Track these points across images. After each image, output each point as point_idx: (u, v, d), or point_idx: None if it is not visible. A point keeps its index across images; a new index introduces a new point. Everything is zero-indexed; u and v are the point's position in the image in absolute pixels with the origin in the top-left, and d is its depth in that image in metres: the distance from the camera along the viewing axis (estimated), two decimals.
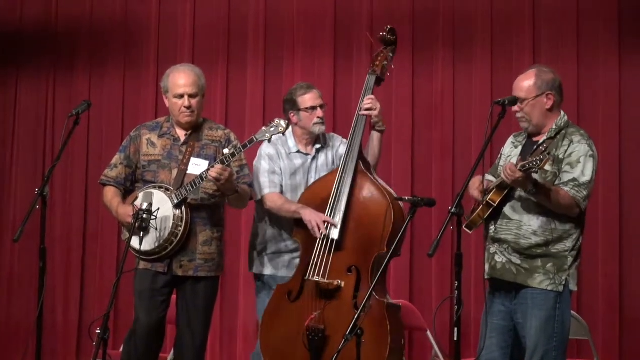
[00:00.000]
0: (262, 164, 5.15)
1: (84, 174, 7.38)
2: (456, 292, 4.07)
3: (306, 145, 5.23)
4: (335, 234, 4.76)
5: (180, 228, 4.76)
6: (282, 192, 5.13)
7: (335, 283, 4.69)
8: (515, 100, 4.34)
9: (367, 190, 4.82)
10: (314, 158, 5.22)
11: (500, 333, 4.45)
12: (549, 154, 4.14)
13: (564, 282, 4.33)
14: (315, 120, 5.16)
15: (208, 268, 4.90)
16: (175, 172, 4.85)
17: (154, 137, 4.96)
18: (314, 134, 5.19)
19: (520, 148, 4.52)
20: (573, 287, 4.39)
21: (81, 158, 7.40)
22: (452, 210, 4.05)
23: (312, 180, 5.15)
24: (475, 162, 4.24)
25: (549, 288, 4.31)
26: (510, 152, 4.57)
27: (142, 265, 4.83)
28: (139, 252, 4.72)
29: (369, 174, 4.88)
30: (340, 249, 4.76)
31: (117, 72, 7.42)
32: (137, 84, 7.38)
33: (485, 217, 4.36)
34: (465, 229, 4.31)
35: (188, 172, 4.83)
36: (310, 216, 4.81)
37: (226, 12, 7.27)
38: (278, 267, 5.15)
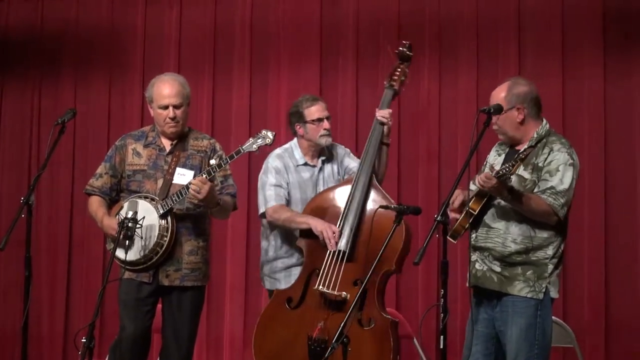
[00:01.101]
0: (269, 178, 5.14)
1: (69, 183, 7.36)
2: (442, 300, 4.08)
3: (312, 158, 5.23)
4: (342, 245, 4.76)
5: (165, 238, 4.75)
6: (289, 205, 5.11)
7: (342, 295, 4.68)
8: (500, 109, 4.36)
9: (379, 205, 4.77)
10: (320, 170, 5.21)
11: (483, 340, 4.47)
12: (521, 160, 4.15)
13: (544, 290, 4.34)
14: (322, 132, 5.15)
15: (194, 277, 4.89)
16: (160, 182, 4.85)
17: (140, 147, 4.95)
18: (320, 145, 5.19)
19: (503, 156, 4.55)
20: (554, 294, 4.41)
21: (67, 167, 7.38)
22: (438, 218, 4.07)
23: (322, 190, 5.15)
24: (461, 169, 4.25)
25: (529, 295, 4.32)
26: (494, 160, 4.59)
27: (127, 274, 4.82)
28: (124, 262, 4.71)
29: (381, 189, 4.89)
30: (350, 261, 4.74)
31: (103, 80, 7.40)
32: (123, 92, 7.37)
33: (467, 225, 4.37)
34: (449, 238, 4.32)
35: (174, 182, 4.82)
36: (322, 226, 4.80)
37: (212, 20, 7.27)
38: (290, 281, 5.08)
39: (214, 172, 4.68)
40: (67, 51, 7.51)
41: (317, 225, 4.82)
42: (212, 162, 4.70)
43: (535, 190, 4.32)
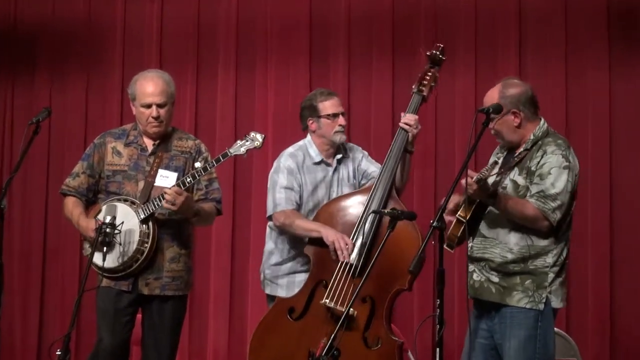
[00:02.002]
0: (280, 178, 5.09)
1: (44, 186, 7.35)
2: (438, 310, 4.07)
3: (328, 156, 5.18)
4: (354, 258, 4.72)
5: (146, 245, 4.73)
6: (299, 209, 5.08)
7: (350, 312, 4.56)
8: (500, 109, 4.36)
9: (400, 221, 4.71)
10: (335, 170, 5.18)
11: (482, 352, 4.47)
12: (496, 163, 4.19)
13: (544, 300, 4.33)
14: (337, 128, 5.12)
15: (175, 286, 4.87)
16: (141, 184, 4.82)
17: (120, 146, 4.93)
18: (334, 142, 5.15)
19: (501, 160, 4.55)
20: (557, 304, 4.39)
21: (41, 169, 7.36)
22: (434, 224, 4.05)
23: (334, 195, 5.11)
24: (458, 172, 4.25)
25: (528, 306, 4.32)
26: (494, 159, 4.60)
27: (105, 282, 4.79)
28: (101, 269, 4.69)
29: (400, 201, 4.85)
30: (360, 276, 4.66)
31: (80, 78, 7.40)
32: (101, 90, 7.36)
33: (459, 234, 4.36)
34: (446, 247, 4.32)
35: (155, 184, 4.80)
36: (334, 237, 4.75)
37: (195, 14, 7.27)
38: (293, 288, 5.07)
39: (198, 175, 4.68)
40: (43, 47, 7.50)
41: (329, 234, 4.78)
42: (197, 165, 4.69)
43: (527, 195, 4.34)
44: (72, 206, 4.91)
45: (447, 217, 4.35)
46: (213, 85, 7.22)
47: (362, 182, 5.19)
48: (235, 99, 7.17)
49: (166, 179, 4.80)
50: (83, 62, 7.41)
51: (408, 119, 4.92)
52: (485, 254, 4.39)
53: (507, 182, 4.36)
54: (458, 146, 6.75)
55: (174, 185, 4.66)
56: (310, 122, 5.17)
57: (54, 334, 7.14)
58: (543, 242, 4.35)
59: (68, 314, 6.46)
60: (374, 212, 4.65)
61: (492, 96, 4.46)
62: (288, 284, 5.11)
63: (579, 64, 6.68)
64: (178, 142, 4.96)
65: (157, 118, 4.84)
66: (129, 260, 4.72)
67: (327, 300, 4.70)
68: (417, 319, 6.64)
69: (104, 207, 4.76)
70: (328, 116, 5.13)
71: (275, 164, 5.19)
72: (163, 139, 4.93)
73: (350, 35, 7.04)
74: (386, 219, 4.51)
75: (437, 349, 4.09)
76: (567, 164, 4.34)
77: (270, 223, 5.20)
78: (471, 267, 4.44)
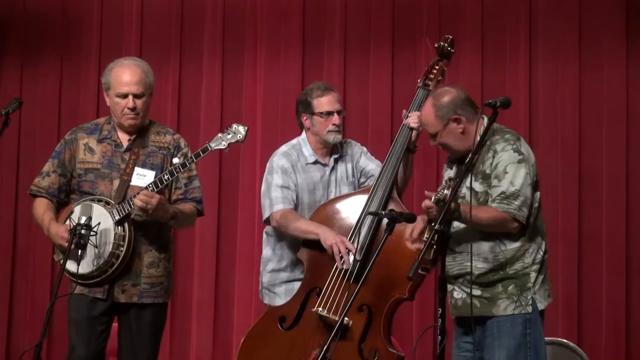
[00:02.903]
0: (275, 178, 5.09)
1: (13, 183, 7.32)
2: (439, 320, 4.07)
3: (323, 155, 5.18)
4: (349, 265, 4.72)
5: (122, 248, 4.69)
6: (296, 209, 5.07)
7: (344, 321, 4.58)
8: (509, 103, 4.35)
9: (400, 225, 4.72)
10: (332, 169, 5.18)
11: None
12: (454, 179, 4.25)
13: (530, 302, 4.37)
14: (331, 127, 5.10)
15: (154, 293, 4.84)
16: (116, 183, 4.78)
17: (93, 142, 4.89)
18: (328, 142, 5.14)
19: (454, 169, 4.56)
20: (543, 305, 4.42)
21: (10, 165, 7.34)
22: (436, 227, 4.05)
23: (332, 196, 5.11)
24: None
25: (516, 312, 4.35)
26: (447, 175, 4.62)
27: (78, 289, 4.75)
28: (75, 275, 4.65)
29: (401, 203, 4.86)
30: (357, 283, 4.61)
31: (53, 67, 7.37)
32: (76, 79, 7.34)
33: (430, 257, 4.35)
34: (421, 272, 4.32)
35: (132, 183, 4.76)
36: (333, 240, 4.76)
37: None
38: (289, 296, 5.05)
39: (176, 172, 4.65)
40: (12, 33, 7.46)
41: (328, 237, 4.78)
42: (175, 160, 4.66)
43: (488, 199, 4.35)
44: (43, 210, 4.86)
45: (413, 245, 4.34)
46: (197, 76, 7.21)
47: (362, 180, 5.20)
48: (222, 91, 7.16)
49: (143, 177, 4.76)
50: (56, 49, 7.38)
51: (412, 118, 4.93)
52: (461, 270, 4.40)
53: (464, 190, 4.38)
54: None
55: (144, 188, 4.63)
56: (304, 118, 5.17)
57: (24, 344, 7.11)
58: (516, 244, 4.39)
59: (39, 322, 6.45)
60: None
61: (427, 114, 4.50)
62: (286, 292, 5.09)
63: (594, 58, 6.67)
64: (155, 137, 4.92)
65: (133, 109, 4.80)
66: (104, 265, 4.68)
67: (320, 309, 4.70)
68: (417, 329, 6.64)
69: (78, 207, 4.73)
70: (321, 114, 5.12)
71: (268, 164, 5.19)
72: (139, 134, 4.89)
73: (347, 23, 7.04)
74: (386, 221, 4.52)
75: None
76: (521, 157, 4.39)
77: (267, 229, 5.21)
78: (449, 287, 4.46)
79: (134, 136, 4.88)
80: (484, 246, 4.37)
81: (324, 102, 5.13)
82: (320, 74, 7.01)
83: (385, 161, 4.92)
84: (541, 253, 4.43)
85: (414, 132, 4.92)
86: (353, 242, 4.75)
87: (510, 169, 4.32)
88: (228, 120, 6.94)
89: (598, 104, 6.66)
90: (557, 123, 6.64)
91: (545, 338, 5.53)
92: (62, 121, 7.27)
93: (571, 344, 5.84)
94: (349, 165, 5.21)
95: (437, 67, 5.02)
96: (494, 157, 4.37)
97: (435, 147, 6.68)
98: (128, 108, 4.80)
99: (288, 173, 5.08)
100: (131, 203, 4.66)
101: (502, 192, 4.30)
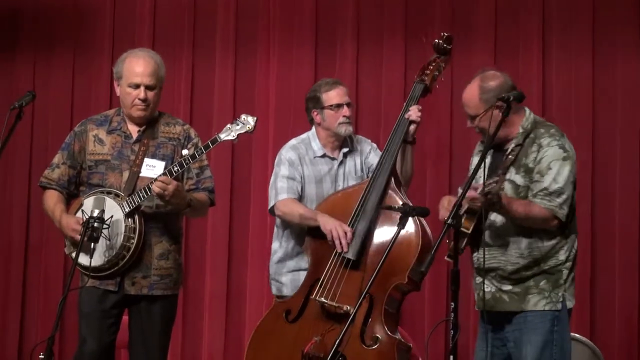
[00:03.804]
0: (282, 169, 5.19)
1: (26, 176, 7.34)
2: (452, 314, 4.07)
3: (332, 149, 5.27)
4: (352, 253, 4.78)
5: (132, 240, 4.70)
6: (302, 201, 5.17)
7: (344, 308, 4.67)
8: (522, 97, 4.35)
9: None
10: (341, 163, 5.26)
11: None
12: (504, 172, 4.23)
13: (561, 299, 4.39)
14: (341, 119, 5.20)
15: (164, 285, 4.85)
16: (126, 174, 4.79)
17: (102, 133, 4.90)
18: (339, 135, 5.22)
19: (489, 159, 4.54)
20: (571, 303, 4.45)
21: (23, 157, 7.36)
22: (448, 221, 4.06)
23: (339, 189, 5.18)
24: (474, 168, 4.24)
25: (547, 308, 4.36)
26: (475, 162, 4.60)
27: (89, 282, 4.78)
28: (87, 268, 4.67)
29: (400, 193, 4.91)
30: (356, 270, 4.76)
31: (66, 59, 7.39)
32: (89, 72, 7.36)
33: (463, 246, 4.36)
34: (447, 259, 4.33)
35: (141, 175, 4.77)
36: (332, 225, 4.83)
37: None
38: (298, 286, 5.11)
39: (186, 163, 4.65)
40: (25, 27, 7.49)
41: (327, 223, 4.86)
42: (185, 152, 4.67)
43: (529, 194, 4.34)
44: (54, 202, 4.88)
45: None
46: (210, 69, 7.21)
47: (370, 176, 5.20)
48: (234, 84, 7.17)
49: (153, 168, 4.78)
50: (69, 42, 7.39)
51: (412, 111, 5.01)
52: (493, 264, 4.40)
53: (504, 183, 4.36)
54: (475, 137, 6.68)
55: (161, 174, 4.65)
56: (315, 114, 5.26)
57: (36, 337, 7.14)
58: (553, 241, 4.39)
59: (52, 315, 6.45)
60: (384, 207, 4.66)
61: (471, 95, 4.51)
62: (292, 281, 5.17)
63: (608, 53, 6.65)
64: (165, 128, 4.93)
65: (144, 100, 4.81)
66: (115, 257, 4.70)
67: (319, 296, 4.76)
68: (429, 323, 6.63)
69: (90, 200, 4.74)
70: (331, 107, 5.21)
71: (276, 158, 5.28)
72: (149, 125, 4.90)
73: (360, 16, 7.03)
74: (385, 212, 4.72)
75: (451, 356, 4.08)
76: (565, 154, 4.38)
77: (277, 222, 5.29)
78: (479, 279, 4.47)
79: (143, 127, 4.89)
80: (522, 242, 4.37)
81: (333, 96, 5.23)
82: (333, 67, 7.02)
83: (383, 153, 4.98)
84: (574, 251, 4.44)
85: (413, 126, 4.99)
86: (354, 231, 4.80)
87: (554, 165, 4.32)
88: (240, 112, 6.92)
89: (612, 98, 6.64)
90: (571, 118, 6.62)
91: None
92: (74, 114, 7.28)
93: (584, 339, 5.84)
94: (358, 161, 5.28)
95: (433, 63, 5.11)
96: (538, 151, 4.36)
97: (449, 142, 6.76)
98: (139, 99, 4.81)
99: (295, 165, 5.18)
100: (141, 195, 4.67)
101: (545, 188, 4.30)
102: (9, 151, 6.97)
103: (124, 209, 4.69)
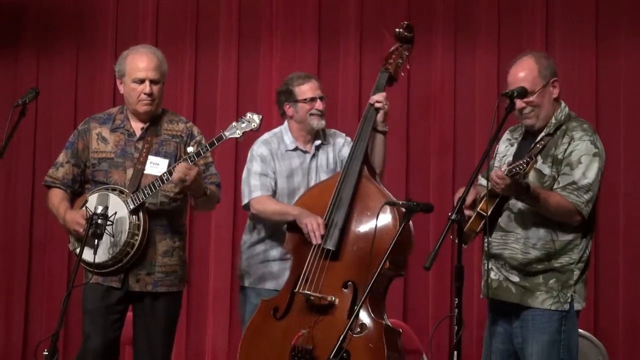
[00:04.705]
0: (254, 166, 5.22)
1: (30, 173, 7.35)
2: (456, 310, 4.08)
3: (305, 143, 5.29)
4: (331, 244, 4.79)
5: (137, 237, 4.72)
6: (275, 196, 5.19)
7: (329, 299, 4.70)
8: (525, 92, 4.34)
9: (371, 198, 4.83)
10: (313, 156, 5.28)
11: (500, 357, 4.48)
12: (536, 155, 4.15)
13: (569, 300, 4.36)
14: (314, 111, 5.23)
15: (169, 282, 4.88)
16: (130, 172, 4.82)
17: (105, 132, 4.92)
18: (312, 129, 5.24)
19: (516, 146, 4.53)
20: (579, 305, 4.41)
21: (27, 155, 7.37)
22: (452, 217, 4.06)
23: (312, 183, 5.22)
24: (478, 162, 4.24)
25: (553, 307, 4.33)
26: (506, 150, 4.58)
27: (93, 279, 4.79)
28: (91, 265, 4.68)
29: (374, 181, 4.92)
30: (337, 260, 4.78)
31: (69, 56, 7.39)
32: (92, 69, 7.35)
33: (478, 229, 4.36)
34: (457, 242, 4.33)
35: (145, 172, 4.80)
36: (306, 218, 4.84)
37: None
38: (265, 279, 5.21)
39: (191, 161, 4.66)
40: (28, 24, 7.48)
41: (301, 216, 4.87)
42: (190, 149, 4.68)
43: (555, 186, 4.31)
44: (58, 200, 4.91)
45: (465, 211, 4.34)
46: (213, 65, 7.20)
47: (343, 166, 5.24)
48: (237, 80, 7.16)
49: (156, 166, 4.80)
50: (72, 39, 7.38)
51: (377, 97, 5.03)
52: (505, 250, 4.39)
53: (530, 172, 4.34)
54: (479, 132, 6.73)
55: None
56: (287, 107, 5.29)
57: (40, 334, 7.15)
58: (569, 237, 4.36)
59: (56, 311, 6.49)
60: (387, 203, 4.66)
61: (529, 71, 4.41)
62: (258, 271, 5.24)
63: (611, 45, 6.65)
64: (168, 126, 4.95)
65: (150, 95, 4.83)
66: (119, 254, 4.72)
67: (302, 289, 4.77)
68: (433, 319, 6.64)
69: (94, 197, 4.76)
70: (305, 100, 5.24)
71: (249, 153, 5.31)
72: (152, 122, 4.92)
73: (363, 12, 7.03)
74: (360, 201, 4.76)
75: (455, 352, 4.09)
76: (597, 150, 4.34)
77: (249, 214, 5.31)
78: (486, 264, 4.44)
79: (147, 125, 4.91)
80: (537, 232, 4.35)
81: (306, 89, 5.27)
82: (336, 63, 7.02)
83: (354, 141, 5.00)
84: (587, 252, 4.41)
85: (380, 113, 5.00)
86: (331, 222, 4.80)
87: (584, 160, 4.29)
88: (244, 108, 6.93)
89: (615, 91, 6.63)
90: (574, 111, 6.61)
91: None
92: (78, 111, 7.28)
93: (587, 334, 5.84)
94: (331, 154, 5.32)
95: (395, 52, 5.14)
96: (569, 143, 4.33)
97: (452, 137, 6.76)
98: (145, 93, 4.82)
99: (267, 161, 5.22)
100: (146, 192, 4.69)
101: (574, 182, 4.27)
102: (12, 148, 6.93)
103: (129, 206, 4.71)
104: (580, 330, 5.77)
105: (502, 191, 4.22)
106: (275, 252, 5.22)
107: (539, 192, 4.23)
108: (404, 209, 4.35)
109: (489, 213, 4.33)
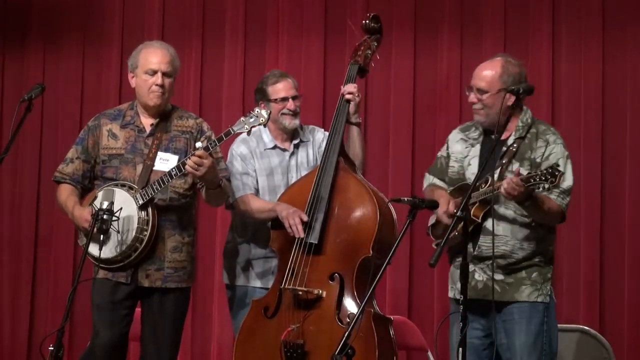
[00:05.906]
0: (235, 165, 5.22)
1: (36, 169, 7.36)
2: (461, 307, 4.09)
3: (283, 141, 5.29)
4: (313, 237, 4.82)
5: (145, 232, 4.74)
6: (257, 194, 5.20)
7: (316, 292, 4.74)
8: (531, 90, 4.36)
9: (350, 189, 4.88)
10: (292, 154, 5.28)
11: (475, 351, 4.52)
12: (559, 170, 4.16)
13: (549, 292, 4.48)
14: (284, 111, 5.22)
15: (178, 278, 4.90)
16: (140, 168, 4.84)
17: (116, 128, 4.94)
18: (285, 127, 5.24)
19: (478, 147, 4.57)
20: (554, 298, 4.55)
21: (33, 150, 7.38)
22: (458, 214, 4.07)
23: (292, 180, 5.22)
24: (484, 159, 4.25)
25: (539, 299, 4.45)
26: (467, 151, 4.65)
27: (102, 274, 4.81)
28: (98, 259, 4.70)
29: (351, 171, 4.95)
30: (320, 254, 4.81)
31: (76, 52, 7.40)
32: (98, 64, 7.36)
33: (479, 219, 4.43)
34: (435, 246, 4.35)
35: (155, 168, 4.82)
36: (286, 212, 4.86)
37: None
38: (249, 277, 5.24)
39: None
40: (34, 18, 7.50)
41: (282, 211, 4.89)
42: (199, 145, 4.69)
43: (540, 189, 4.34)
44: (67, 195, 4.92)
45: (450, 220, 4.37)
46: (219, 59, 7.21)
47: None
48: (244, 75, 7.16)
49: (166, 162, 4.82)
50: (79, 34, 7.40)
51: (348, 89, 5.05)
52: (493, 252, 4.41)
53: (505, 174, 4.39)
54: None
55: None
56: (262, 105, 5.21)
57: (45, 329, 7.17)
58: (550, 235, 4.52)
59: (61, 306, 6.48)
60: (393, 200, 4.67)
61: (493, 69, 4.50)
62: (244, 270, 5.26)
63: (618, 41, 6.63)
64: (178, 122, 4.97)
65: (161, 86, 4.85)
66: (128, 249, 4.74)
67: (288, 284, 4.79)
68: (438, 316, 6.64)
69: (100, 193, 4.77)
70: (277, 100, 5.23)
71: (229, 153, 5.31)
72: (162, 119, 4.94)
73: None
74: (339, 192, 4.83)
75: (460, 349, 4.10)
76: (567, 153, 4.47)
77: (233, 214, 5.33)
78: (471, 267, 4.46)
79: (156, 121, 4.93)
80: (524, 233, 4.43)
81: (279, 89, 5.25)
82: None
83: (329, 134, 5.03)
84: (553, 248, 4.54)
85: (352, 105, 5.03)
86: (313, 216, 4.83)
87: (561, 163, 4.35)
88: (250, 103, 6.92)
89: (622, 88, 6.62)
90: (580, 108, 6.60)
91: (567, 325, 5.61)
92: (84, 106, 7.31)
93: (593, 331, 5.85)
94: (310, 151, 5.32)
95: (364, 44, 5.18)
96: (546, 147, 4.40)
97: (432, 139, 6.74)
98: (157, 85, 4.84)
99: (247, 160, 5.22)
100: (155, 187, 4.71)
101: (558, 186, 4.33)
102: (18, 143, 7.05)
103: (138, 202, 4.73)
104: (585, 327, 5.81)
105: (512, 198, 4.25)
106: (259, 251, 5.22)
107: (538, 198, 4.31)
108: (410, 205, 4.35)
109: (480, 218, 4.43)
